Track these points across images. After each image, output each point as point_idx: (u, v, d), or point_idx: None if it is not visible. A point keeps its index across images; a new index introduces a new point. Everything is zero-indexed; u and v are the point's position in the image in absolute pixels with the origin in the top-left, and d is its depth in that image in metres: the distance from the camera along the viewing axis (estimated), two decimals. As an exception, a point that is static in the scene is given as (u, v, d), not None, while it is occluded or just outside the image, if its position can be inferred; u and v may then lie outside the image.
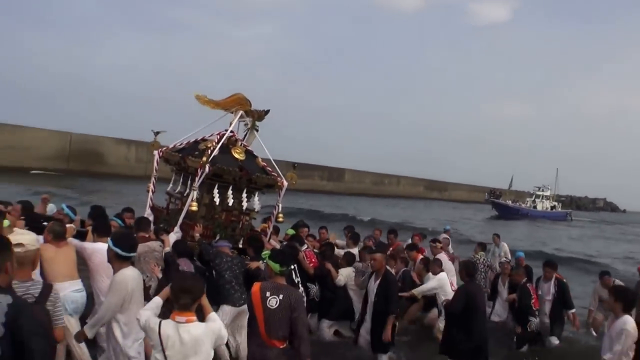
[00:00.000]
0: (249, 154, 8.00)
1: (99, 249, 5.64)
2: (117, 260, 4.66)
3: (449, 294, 8.48)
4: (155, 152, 7.93)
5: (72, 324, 5.52)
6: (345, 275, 8.20)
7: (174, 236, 7.02)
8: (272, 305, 4.69)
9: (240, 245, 7.58)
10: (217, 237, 7.38)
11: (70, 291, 5.60)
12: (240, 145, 7.90)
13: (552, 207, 75.83)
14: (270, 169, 8.15)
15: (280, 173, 8.24)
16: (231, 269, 6.62)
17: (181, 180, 7.89)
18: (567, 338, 9.28)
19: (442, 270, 8.81)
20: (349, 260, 8.48)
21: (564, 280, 9.28)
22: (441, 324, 8.60)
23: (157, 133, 7.96)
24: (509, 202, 70.32)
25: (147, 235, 6.86)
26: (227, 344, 6.15)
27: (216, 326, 3.92)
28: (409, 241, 11.49)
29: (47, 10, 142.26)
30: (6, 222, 5.90)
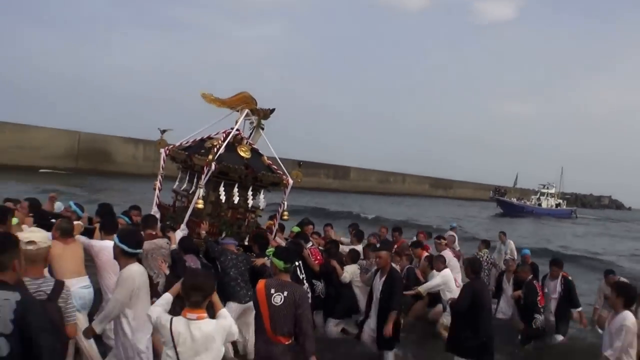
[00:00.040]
0: (255, 152, 8.00)
1: (106, 246, 5.66)
2: (123, 257, 4.70)
3: (453, 290, 8.47)
4: (162, 150, 7.94)
5: (80, 320, 5.53)
6: (350, 272, 8.19)
7: (180, 233, 7.05)
8: (276, 302, 4.69)
9: (246, 243, 7.59)
10: (223, 235, 7.39)
11: (77, 287, 5.62)
12: (246, 143, 7.91)
13: (557, 205, 75.56)
14: (275, 167, 8.15)
15: (285, 171, 8.24)
16: (236, 266, 6.63)
17: (187, 178, 7.91)
18: (572, 335, 9.24)
19: (445, 267, 8.79)
20: (353, 257, 8.47)
21: (570, 278, 9.23)
22: (445, 319, 8.60)
23: (163, 131, 7.98)
24: (514, 200, 70.12)
25: (154, 233, 6.87)
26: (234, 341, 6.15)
27: (227, 323, 3.93)
28: (414, 239, 11.47)
29: (54, 10, 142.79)
30: (15, 220, 5.94)
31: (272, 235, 8.13)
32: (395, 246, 9.67)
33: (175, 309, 4.02)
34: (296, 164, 8.49)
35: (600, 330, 9.53)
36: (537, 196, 74.43)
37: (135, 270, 4.70)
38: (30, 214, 7.19)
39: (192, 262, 6.56)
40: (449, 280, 8.56)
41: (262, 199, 8.08)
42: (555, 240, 34.58)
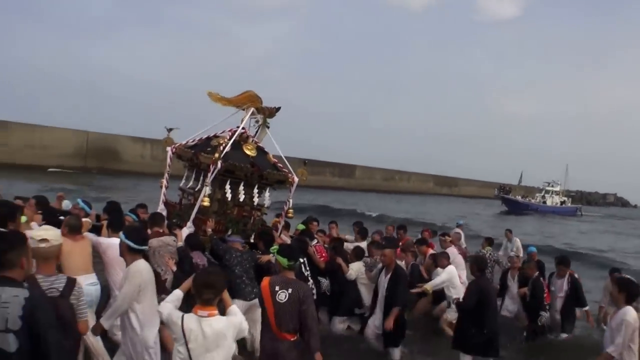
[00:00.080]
0: (260, 150, 8.01)
1: (113, 243, 5.67)
2: (129, 253, 4.74)
3: (457, 286, 8.48)
4: (168, 149, 7.96)
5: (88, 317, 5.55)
6: (355, 269, 8.18)
7: (186, 231, 7.08)
8: (281, 299, 4.72)
9: (252, 240, 7.60)
10: (229, 232, 7.39)
11: (85, 285, 5.59)
12: (252, 141, 7.91)
13: (562, 203, 75.18)
14: (281, 165, 8.15)
15: (291, 169, 8.24)
16: (241, 264, 6.64)
17: (194, 176, 7.91)
18: (578, 332, 9.20)
19: (449, 264, 8.77)
20: (358, 254, 8.46)
21: (577, 277, 9.18)
22: (449, 315, 8.60)
23: (170, 130, 7.99)
24: (519, 198, 69.85)
25: (161, 230, 6.89)
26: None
27: (237, 320, 3.94)
28: (419, 237, 11.44)
29: (60, 11, 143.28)
30: (23, 218, 5.94)
31: (277, 232, 8.13)
32: (400, 244, 9.68)
33: (184, 306, 4.02)
34: (302, 163, 8.49)
35: (605, 328, 9.53)
36: (542, 194, 74.08)
37: (142, 265, 4.75)
38: (39, 212, 7.20)
39: (199, 259, 6.60)
40: (453, 276, 8.54)
41: (267, 197, 8.08)
42: (560, 237, 34.43)
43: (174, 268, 6.18)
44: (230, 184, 7.49)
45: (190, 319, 3.77)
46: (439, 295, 9.04)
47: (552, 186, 74.88)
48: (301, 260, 6.86)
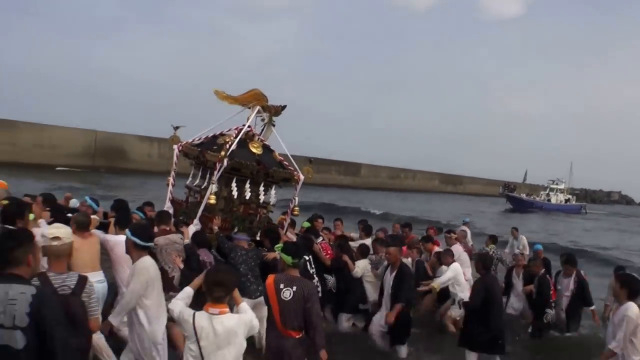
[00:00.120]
0: (266, 148, 8.00)
1: (121, 240, 5.65)
2: (135, 250, 4.73)
3: (462, 283, 8.51)
4: (175, 147, 7.96)
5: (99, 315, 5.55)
6: (361, 267, 8.16)
7: (193, 228, 7.08)
8: (286, 297, 4.72)
9: (258, 238, 7.58)
10: (235, 229, 7.38)
11: (92, 282, 5.62)
12: (258, 139, 7.89)
13: (567, 200, 74.82)
14: (287, 163, 8.14)
15: (296, 167, 8.22)
16: (246, 262, 6.63)
17: (200, 174, 7.91)
18: (583, 331, 9.14)
19: (454, 261, 8.75)
20: (363, 251, 8.44)
21: (584, 276, 9.11)
22: (453, 313, 8.56)
23: (176, 128, 7.99)
24: (523, 196, 69.59)
25: (167, 228, 6.88)
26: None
27: (248, 317, 3.93)
28: (424, 234, 11.41)
29: (68, 11, 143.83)
30: (31, 216, 5.94)
31: (283, 230, 8.11)
32: (406, 242, 9.65)
33: (197, 304, 4.01)
34: (307, 161, 8.47)
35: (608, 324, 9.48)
36: (547, 192, 73.77)
37: (149, 261, 4.75)
38: (47, 209, 7.20)
39: (206, 256, 6.62)
40: (458, 273, 8.53)
41: (272, 195, 8.06)
42: (565, 235, 34.29)
43: (181, 265, 6.17)
44: (236, 182, 7.48)
45: (201, 316, 3.76)
46: (444, 292, 9.01)
47: (557, 184, 74.56)
48: (306, 258, 6.84)
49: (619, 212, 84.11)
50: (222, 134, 7.88)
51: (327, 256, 8.04)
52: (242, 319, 3.87)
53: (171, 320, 5.74)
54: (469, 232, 13.24)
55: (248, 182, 7.58)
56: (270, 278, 4.88)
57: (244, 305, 4.08)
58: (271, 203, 8.15)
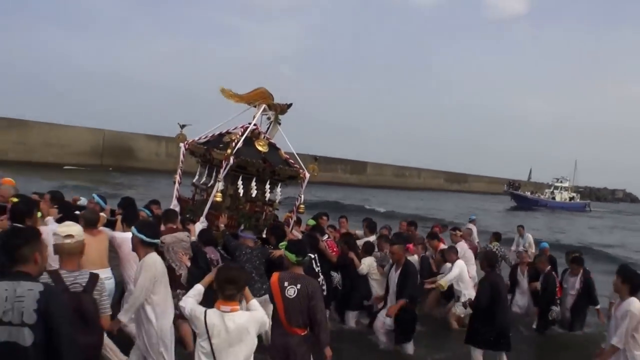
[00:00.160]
0: (272, 146, 7.97)
1: (128, 238, 5.64)
2: (142, 247, 4.73)
3: (466, 281, 8.53)
4: (181, 145, 7.94)
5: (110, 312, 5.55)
6: (367, 264, 8.13)
7: (200, 226, 7.07)
8: (290, 295, 4.72)
9: (264, 235, 7.57)
10: (242, 227, 7.36)
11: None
12: (264, 138, 7.88)
13: (571, 198, 74.61)
14: (292, 161, 8.12)
15: (302, 165, 8.20)
16: (251, 260, 6.61)
17: (206, 172, 7.90)
18: (588, 330, 9.09)
19: (458, 258, 8.72)
20: (368, 249, 8.41)
21: (591, 276, 9.05)
22: (457, 310, 8.53)
23: (183, 126, 7.96)
24: (528, 194, 69.45)
25: (174, 227, 6.87)
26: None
27: (259, 314, 3.92)
28: (430, 232, 11.36)
29: (80, 12, 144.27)
30: (38, 214, 5.94)
31: (289, 228, 8.09)
32: (410, 240, 9.62)
33: (207, 302, 3.99)
34: (313, 159, 8.45)
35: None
36: (551, 190, 73.59)
37: (155, 257, 4.75)
38: (54, 206, 7.21)
39: (213, 254, 6.63)
40: (462, 270, 8.50)
41: (278, 193, 8.05)
42: (569, 233, 34.15)
43: (188, 264, 6.17)
44: (242, 180, 7.46)
45: (213, 314, 3.74)
46: (448, 289, 8.98)
47: (561, 182, 74.36)
48: (312, 256, 6.81)
49: (624, 210, 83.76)
50: (228, 132, 7.86)
51: (333, 253, 8.02)
52: (254, 316, 3.86)
53: (180, 317, 5.77)
54: (475, 229, 13.18)
55: (254, 180, 7.56)
56: (275, 276, 4.87)
57: (255, 302, 4.06)
58: (277, 201, 8.13)
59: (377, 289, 8.07)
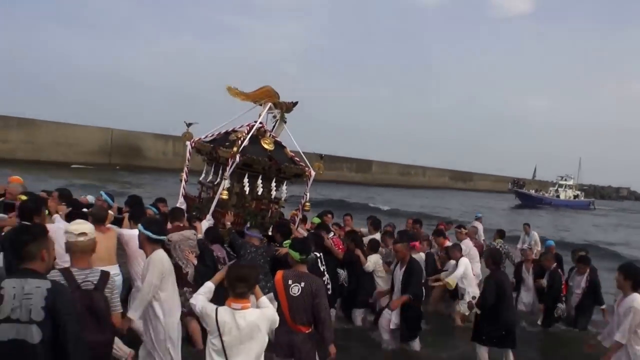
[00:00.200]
0: (278, 144, 7.95)
1: (135, 235, 5.64)
2: (148, 243, 4.73)
3: (470, 278, 8.55)
4: (188, 143, 7.93)
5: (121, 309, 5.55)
6: (373, 261, 8.10)
7: (206, 223, 7.06)
8: (294, 293, 4.73)
9: (270, 233, 7.55)
10: (248, 225, 7.35)
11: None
12: (269, 136, 7.87)
13: (575, 196, 74.26)
14: (298, 159, 8.10)
15: (308, 163, 8.18)
16: (255, 259, 6.59)
17: (213, 170, 7.88)
18: (592, 328, 9.02)
19: (462, 255, 8.70)
20: (373, 246, 8.37)
21: (597, 275, 8.99)
22: (462, 307, 8.51)
23: (189, 124, 7.95)
24: (532, 192, 69.25)
25: (181, 225, 6.87)
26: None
27: (270, 312, 3.92)
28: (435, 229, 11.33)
29: (88, 12, 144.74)
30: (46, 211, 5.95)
31: (295, 225, 8.08)
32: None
33: (217, 299, 3.98)
34: (318, 157, 8.43)
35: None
36: (556, 188, 73.29)
37: (163, 254, 4.75)
38: (63, 203, 7.21)
39: (219, 252, 6.62)
40: (466, 268, 8.48)
41: (284, 190, 8.03)
42: (574, 231, 34.02)
43: (195, 262, 6.16)
44: (248, 178, 7.45)
45: (224, 311, 3.73)
46: (454, 289, 8.96)
47: (566, 180, 74.01)
48: (317, 255, 6.79)
49: (628, 208, 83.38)
50: (234, 131, 7.85)
51: (339, 250, 7.99)
52: (265, 314, 3.85)
53: (187, 315, 5.76)
54: (481, 227, 13.15)
55: (260, 177, 7.54)
56: (279, 274, 4.87)
57: (265, 299, 4.06)
58: (283, 199, 8.12)
59: (382, 287, 8.04)
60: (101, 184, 26.84)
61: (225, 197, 7.16)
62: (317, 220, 9.12)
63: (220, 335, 3.69)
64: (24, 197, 6.37)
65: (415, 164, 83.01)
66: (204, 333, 4.24)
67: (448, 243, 9.71)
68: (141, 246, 4.81)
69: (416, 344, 7.13)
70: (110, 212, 7.03)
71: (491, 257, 6.89)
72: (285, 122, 8.09)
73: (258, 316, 3.79)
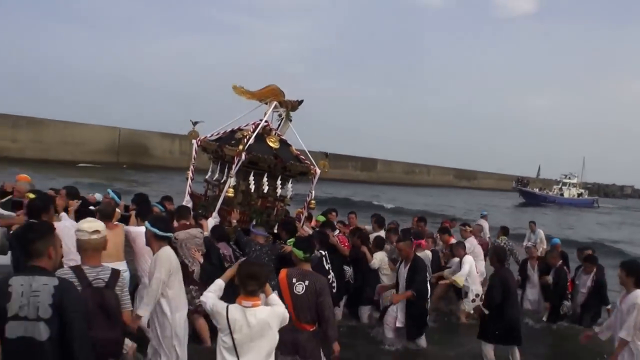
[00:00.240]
0: (283, 142, 7.96)
1: (142, 232, 5.64)
2: (155, 240, 4.72)
3: (473, 275, 8.54)
4: (194, 141, 7.94)
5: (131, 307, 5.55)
6: (379, 259, 8.08)
7: (212, 221, 7.06)
8: (298, 291, 4.73)
9: (275, 230, 7.54)
10: (253, 222, 7.35)
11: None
12: (275, 134, 7.86)
13: (579, 195, 73.91)
14: (303, 157, 8.09)
15: (313, 161, 8.17)
16: (259, 257, 6.57)
17: (219, 168, 7.89)
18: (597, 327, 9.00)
19: (466, 253, 8.66)
20: (379, 244, 8.35)
21: (604, 276, 8.94)
22: (466, 305, 8.48)
23: (195, 123, 7.96)
24: (536, 190, 69.02)
25: (187, 223, 6.87)
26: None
27: (280, 309, 3.91)
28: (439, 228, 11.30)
29: (95, 12, 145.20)
30: (52, 210, 5.94)
31: (300, 223, 8.06)
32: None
33: (227, 297, 3.97)
34: (323, 155, 8.42)
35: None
36: (559, 186, 72.98)
37: (170, 251, 4.74)
38: (74, 200, 7.21)
39: (225, 249, 6.62)
40: (470, 266, 8.45)
41: (289, 189, 8.03)
42: (578, 229, 33.88)
43: (201, 260, 6.16)
44: (254, 176, 7.46)
45: (234, 309, 3.72)
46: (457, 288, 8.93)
47: (570, 178, 73.66)
48: (322, 253, 6.77)
49: (632, 206, 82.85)
50: (239, 129, 7.87)
51: (345, 247, 7.97)
52: (275, 311, 3.84)
53: (194, 312, 5.76)
54: (486, 225, 13.08)
55: (265, 175, 7.54)
56: (283, 272, 4.87)
57: (275, 297, 4.05)
58: (288, 197, 8.11)
59: (387, 284, 8.03)
60: (108, 183, 26.92)
61: (231, 195, 7.18)
62: (321, 218, 9.10)
63: (231, 333, 3.67)
64: (32, 195, 6.38)
65: (420, 162, 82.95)
66: (212, 330, 4.22)
67: (453, 240, 9.69)
68: (148, 243, 4.81)
69: (422, 341, 7.12)
70: (117, 209, 7.04)
71: (495, 255, 6.87)
72: (290, 121, 8.10)
73: (269, 314, 3.77)
